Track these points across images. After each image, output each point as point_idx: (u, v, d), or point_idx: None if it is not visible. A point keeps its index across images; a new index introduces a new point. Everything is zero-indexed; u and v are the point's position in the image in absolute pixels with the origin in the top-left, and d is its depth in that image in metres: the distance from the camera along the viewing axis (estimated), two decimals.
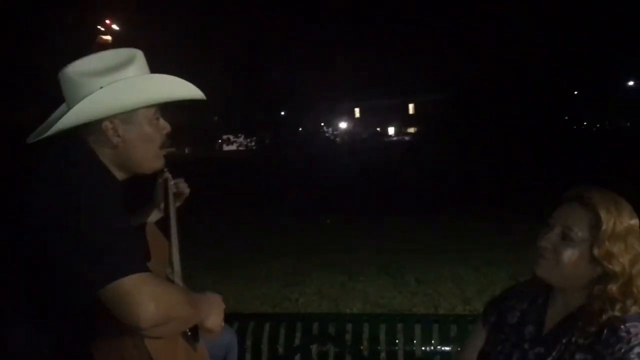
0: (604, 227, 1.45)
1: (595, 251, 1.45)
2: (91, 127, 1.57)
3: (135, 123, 1.61)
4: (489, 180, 16.86)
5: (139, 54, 1.64)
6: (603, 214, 1.45)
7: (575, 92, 43.27)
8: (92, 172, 1.54)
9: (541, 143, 30.04)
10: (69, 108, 1.57)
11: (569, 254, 1.48)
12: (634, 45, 39.24)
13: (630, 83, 45.84)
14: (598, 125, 49.47)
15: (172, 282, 1.77)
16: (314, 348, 2.52)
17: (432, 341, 2.46)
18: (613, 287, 1.44)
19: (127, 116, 1.59)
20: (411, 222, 10.32)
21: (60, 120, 1.52)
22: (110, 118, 1.57)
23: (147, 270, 1.42)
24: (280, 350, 2.54)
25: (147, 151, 1.66)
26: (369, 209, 12.00)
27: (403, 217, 10.87)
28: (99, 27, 41.44)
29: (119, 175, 1.64)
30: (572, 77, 39.87)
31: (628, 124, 47.29)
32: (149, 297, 1.35)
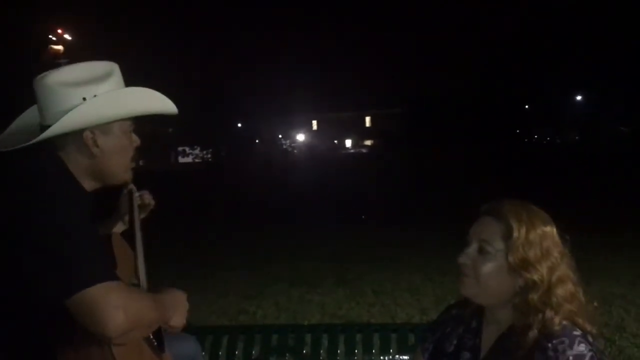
0: (515, 234, 1.45)
1: (511, 259, 1.45)
2: (70, 137, 1.58)
3: (113, 134, 1.63)
4: (441, 190, 17.17)
5: (116, 67, 1.67)
6: (514, 223, 1.46)
7: (527, 107, 44.61)
8: (60, 182, 1.54)
9: (493, 156, 30.81)
10: (44, 116, 1.58)
11: (488, 268, 1.48)
12: (583, 61, 40.67)
13: (579, 98, 47.44)
14: (548, 139, 51.02)
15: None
16: (273, 359, 2.50)
17: (390, 350, 2.47)
18: (534, 297, 1.44)
19: (106, 127, 1.61)
20: (366, 232, 10.39)
21: (50, 128, 1.53)
22: (92, 128, 1.58)
23: (115, 278, 1.42)
24: None
25: (121, 163, 1.69)
26: (324, 220, 12.05)
27: (358, 227, 10.94)
28: (50, 36, 40.57)
29: (89, 185, 1.65)
30: (523, 91, 41.09)
31: (577, 137, 48.89)
32: (116, 306, 1.36)
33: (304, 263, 8.00)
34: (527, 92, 41.57)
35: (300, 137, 63.49)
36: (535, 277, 1.44)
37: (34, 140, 1.54)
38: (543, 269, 1.45)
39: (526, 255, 1.45)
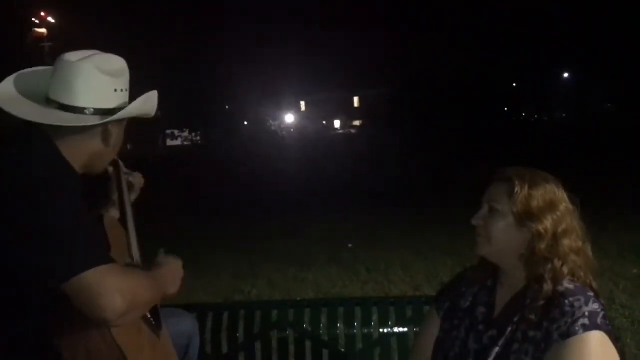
0: (517, 189, 1.57)
1: (515, 209, 1.56)
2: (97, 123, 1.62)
3: (121, 129, 1.71)
4: (431, 169, 17.27)
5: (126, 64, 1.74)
6: (516, 180, 1.59)
7: (514, 85, 44.72)
8: (54, 167, 1.54)
9: (482, 133, 30.93)
10: (67, 95, 1.59)
11: (498, 225, 1.59)
12: (569, 39, 40.72)
13: (566, 75, 47.60)
14: (536, 116, 51.24)
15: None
16: (274, 335, 2.54)
17: (389, 323, 2.52)
18: (541, 246, 1.54)
19: (122, 122, 1.70)
20: (358, 212, 10.46)
21: (122, 112, 1.62)
22: (116, 120, 1.64)
23: (110, 261, 1.42)
24: (241, 338, 2.56)
25: (112, 155, 1.77)
26: (314, 201, 12.10)
27: (349, 207, 11.00)
28: (33, 19, 40.00)
29: (81, 171, 1.66)
30: (510, 70, 41.15)
31: (564, 115, 49.13)
32: (114, 289, 1.36)
33: (295, 243, 8.05)
34: (514, 70, 41.64)
35: (289, 118, 63.28)
36: (540, 227, 1.54)
37: (89, 124, 1.59)
38: (547, 220, 1.55)
39: (529, 206, 1.56)
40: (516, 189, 1.57)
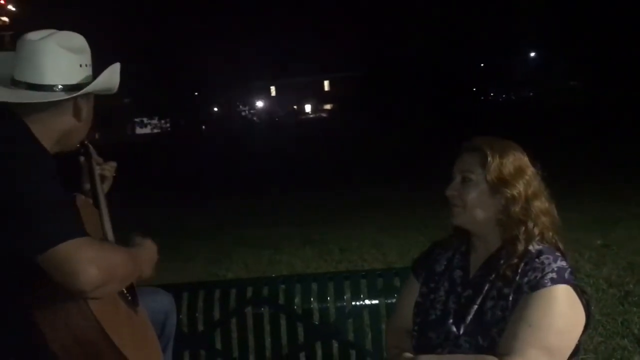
0: (489, 159, 1.66)
1: (489, 178, 1.65)
2: (62, 99, 1.64)
3: (90, 104, 1.73)
4: (401, 149, 17.43)
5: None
6: (487, 150, 1.67)
7: (482, 65, 45.11)
8: (27, 145, 1.55)
9: (450, 113, 31.23)
10: (32, 74, 1.62)
11: (472, 194, 1.68)
12: (535, 18, 41.14)
13: (532, 54, 48.15)
14: (504, 96, 51.85)
15: None
16: (249, 311, 2.59)
17: (361, 296, 2.59)
18: (516, 209, 1.64)
19: (90, 96, 1.72)
20: (328, 194, 10.53)
21: (90, 87, 1.64)
22: (84, 95, 1.67)
23: (85, 234, 1.44)
24: (217, 316, 2.60)
25: (85, 131, 1.78)
26: (286, 185, 12.14)
27: (322, 190, 11.07)
28: None
29: (52, 149, 1.67)
30: (477, 49, 41.48)
31: (531, 94, 49.80)
32: (89, 260, 1.38)
33: (268, 227, 8.09)
34: (481, 50, 42.00)
35: (259, 103, 62.93)
36: (514, 191, 1.64)
37: (58, 99, 1.61)
38: (520, 185, 1.65)
39: (502, 173, 1.65)
40: (488, 159, 1.65)
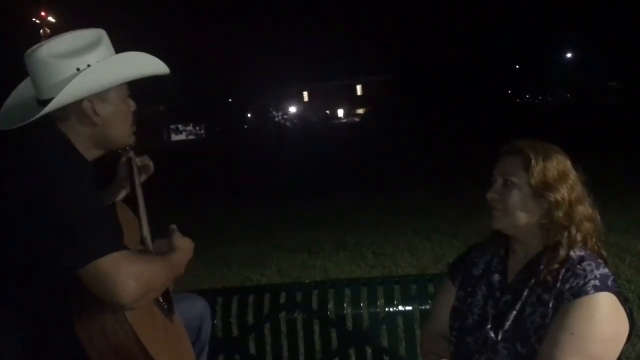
0: (533, 162, 1.63)
1: (532, 182, 1.62)
2: (70, 108, 1.62)
3: (111, 101, 1.68)
4: (436, 153, 17.27)
5: (104, 34, 1.70)
6: (531, 153, 1.64)
7: (517, 67, 44.47)
8: (63, 155, 1.57)
9: (486, 117, 30.85)
10: (40, 90, 1.61)
11: (514, 197, 1.64)
12: (572, 17, 40.39)
13: (569, 55, 47.25)
14: (540, 98, 50.99)
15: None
16: (283, 316, 2.59)
17: (395, 302, 2.57)
18: (559, 214, 1.61)
19: (104, 95, 1.66)
20: (364, 198, 10.48)
21: (51, 103, 1.56)
22: (90, 97, 1.62)
23: (123, 247, 1.46)
24: (250, 321, 2.61)
25: (123, 128, 1.74)
26: (322, 189, 12.13)
27: (355, 194, 11.03)
28: (34, 19, 39.99)
29: (93, 153, 1.70)
30: (512, 52, 40.92)
31: (568, 95, 48.85)
32: (128, 275, 1.40)
33: (303, 231, 8.10)
34: (517, 52, 41.41)
35: (292, 109, 63.19)
36: (558, 196, 1.61)
37: (35, 117, 1.57)
38: (563, 189, 1.62)
39: (546, 177, 1.62)
40: (532, 162, 1.62)
